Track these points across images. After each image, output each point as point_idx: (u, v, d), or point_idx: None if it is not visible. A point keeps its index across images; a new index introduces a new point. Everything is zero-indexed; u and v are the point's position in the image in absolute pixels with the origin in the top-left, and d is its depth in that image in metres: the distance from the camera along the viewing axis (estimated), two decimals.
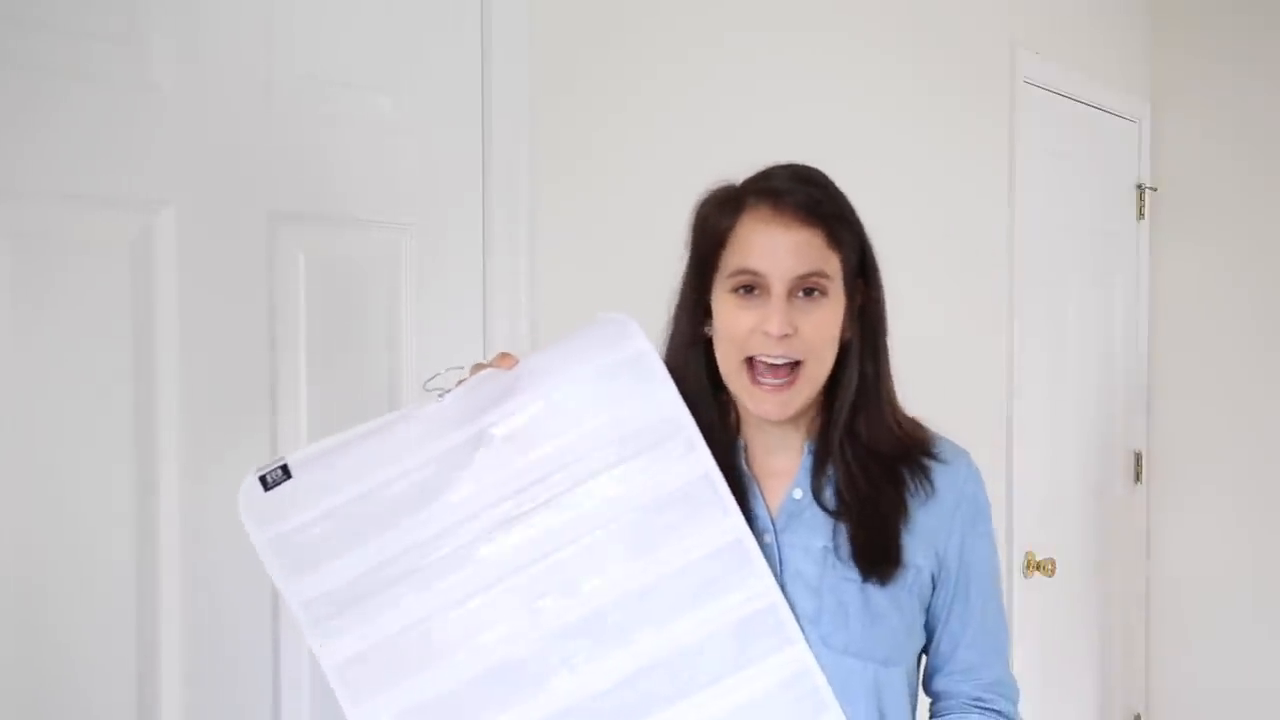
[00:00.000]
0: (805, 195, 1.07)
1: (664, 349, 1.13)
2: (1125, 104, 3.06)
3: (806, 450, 1.12)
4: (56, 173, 1.10)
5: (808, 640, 1.05)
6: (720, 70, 1.82)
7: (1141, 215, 3.18)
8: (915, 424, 1.15)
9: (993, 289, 2.55)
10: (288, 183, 1.30)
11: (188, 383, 1.20)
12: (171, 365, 1.19)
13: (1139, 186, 3.17)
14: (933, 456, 1.13)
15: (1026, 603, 2.65)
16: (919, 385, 2.28)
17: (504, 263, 1.50)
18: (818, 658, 1.05)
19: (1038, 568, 2.66)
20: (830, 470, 1.10)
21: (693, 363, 1.11)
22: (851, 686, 1.06)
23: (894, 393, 1.14)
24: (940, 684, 1.17)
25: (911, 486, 1.11)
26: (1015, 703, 1.18)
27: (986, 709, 1.15)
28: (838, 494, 1.09)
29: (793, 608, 1.06)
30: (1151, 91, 3.20)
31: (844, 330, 1.09)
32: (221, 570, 1.24)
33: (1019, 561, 2.63)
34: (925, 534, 1.11)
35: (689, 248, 1.13)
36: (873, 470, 1.10)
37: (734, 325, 1.06)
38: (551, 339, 1.53)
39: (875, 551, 1.07)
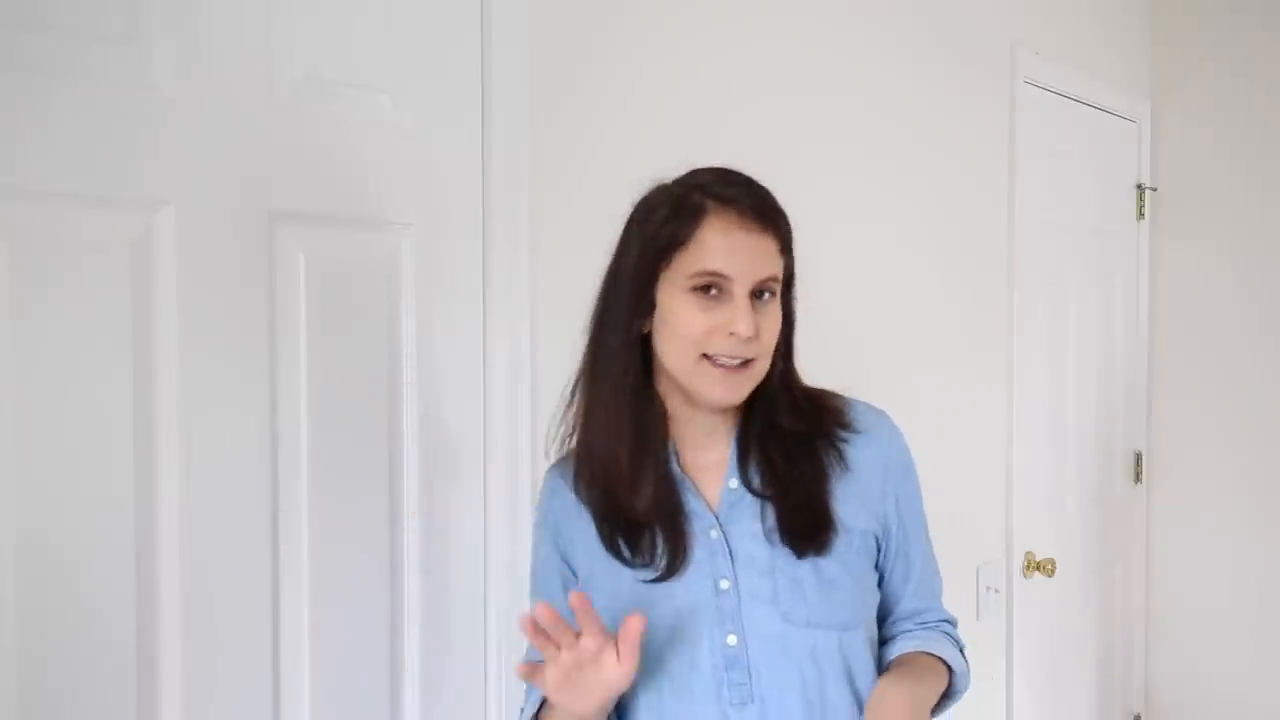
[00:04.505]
0: (760, 202, 1.11)
1: (590, 340, 1.16)
2: (1125, 104, 3.06)
3: (732, 442, 1.15)
4: (56, 173, 1.11)
5: (770, 619, 1.09)
6: (718, 71, 1.82)
7: (1141, 215, 3.18)
8: (826, 395, 1.20)
9: (992, 288, 2.55)
10: (288, 183, 1.30)
11: (187, 383, 1.20)
12: (171, 365, 1.19)
13: (1139, 186, 3.17)
14: (851, 423, 1.18)
15: (1026, 603, 2.65)
16: (921, 385, 2.29)
17: (504, 262, 1.50)
18: (783, 634, 1.09)
19: (1038, 568, 2.66)
20: (753, 456, 1.14)
21: (630, 359, 1.13)
22: (819, 655, 1.10)
23: (799, 378, 1.19)
24: (887, 630, 1.23)
25: (841, 452, 1.16)
26: (956, 626, 1.26)
27: (930, 625, 1.22)
28: (762, 477, 1.13)
29: (750, 593, 1.09)
30: (1151, 91, 3.20)
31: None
32: (221, 570, 1.24)
33: (1019, 561, 2.63)
34: (862, 499, 1.15)
35: (631, 245, 1.13)
36: (791, 449, 1.14)
37: (693, 325, 1.08)
38: (551, 338, 1.54)
39: (803, 526, 1.11)
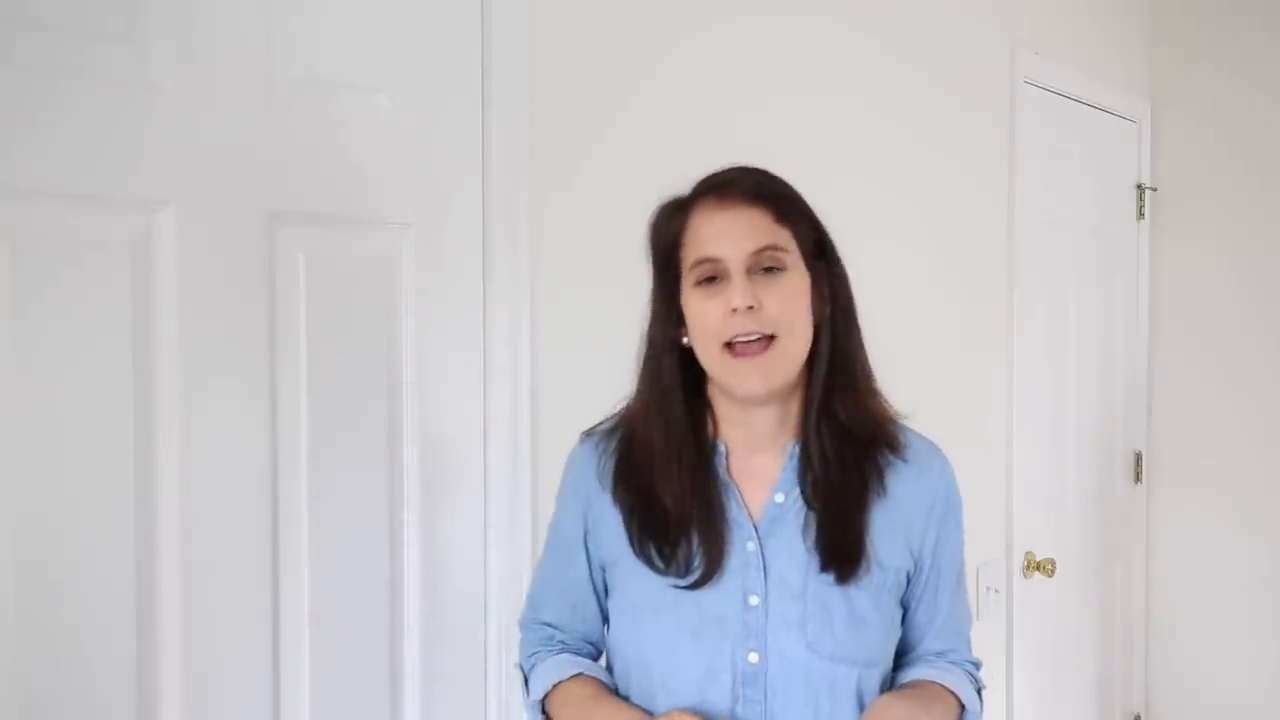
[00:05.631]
0: (748, 181, 1.10)
1: (638, 362, 1.14)
2: (1125, 104, 3.06)
3: (791, 452, 1.12)
4: (56, 173, 1.11)
5: (795, 645, 1.06)
6: (718, 72, 1.82)
7: (1141, 215, 3.18)
8: (884, 418, 1.16)
9: (993, 288, 2.55)
10: (288, 183, 1.30)
11: (187, 383, 1.20)
12: (171, 365, 1.19)
13: (1139, 186, 3.16)
14: (903, 454, 1.14)
15: (1026, 603, 2.65)
16: (920, 385, 2.29)
17: (504, 262, 1.50)
18: (805, 664, 1.06)
19: (1038, 568, 2.66)
20: (814, 460, 1.10)
21: (668, 370, 1.12)
22: (837, 689, 1.07)
23: (871, 372, 1.15)
24: (907, 663, 1.19)
25: (883, 475, 1.12)
26: (978, 669, 1.22)
27: (948, 661, 1.18)
28: (814, 482, 1.10)
29: (779, 614, 1.07)
30: (1151, 91, 3.19)
31: (815, 311, 1.11)
32: (221, 569, 1.24)
33: (1019, 562, 2.62)
34: (900, 533, 1.12)
35: (650, 261, 1.14)
36: (848, 456, 1.11)
37: (705, 316, 1.08)
38: (551, 338, 1.54)
39: (836, 545, 1.08)
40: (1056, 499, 2.83)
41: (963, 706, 1.15)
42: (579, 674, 1.16)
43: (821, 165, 2.02)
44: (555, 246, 1.56)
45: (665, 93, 1.72)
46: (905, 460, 1.13)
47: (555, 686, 1.16)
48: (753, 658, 1.07)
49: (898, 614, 1.14)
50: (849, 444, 1.11)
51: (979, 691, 1.20)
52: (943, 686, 1.14)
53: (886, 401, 1.16)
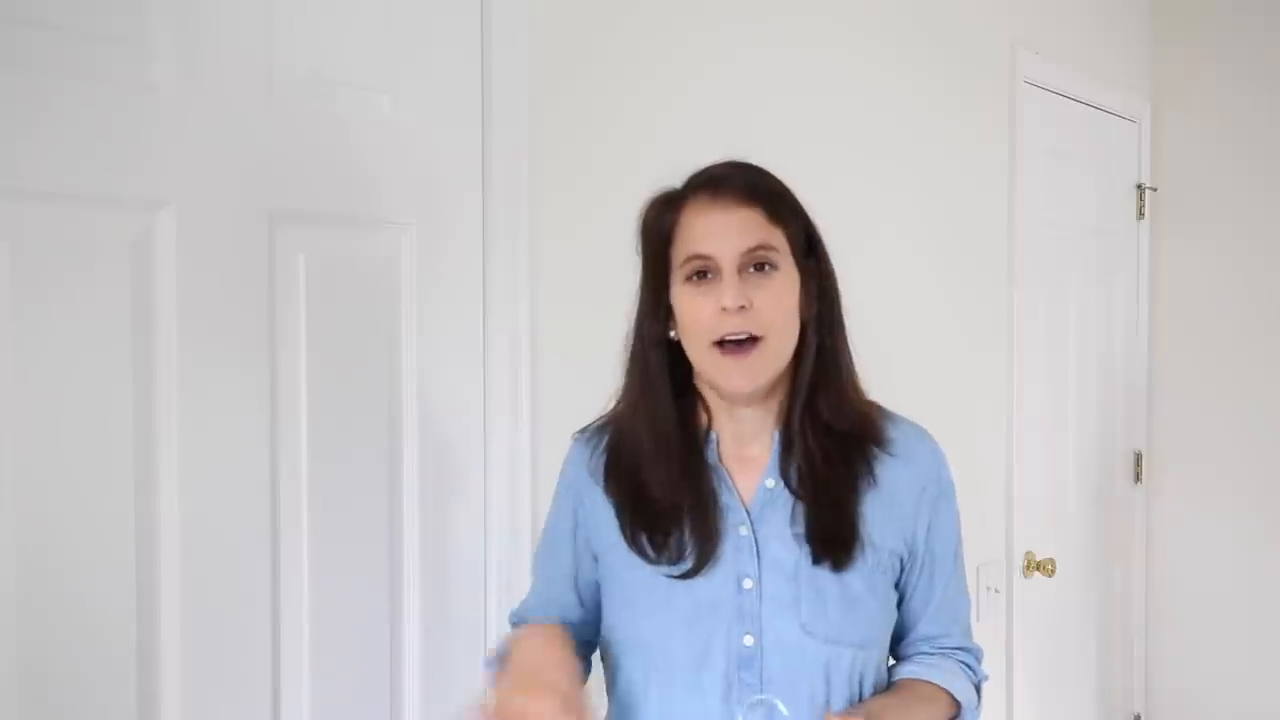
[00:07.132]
0: (741, 178, 1.10)
1: (625, 356, 1.15)
2: (1125, 104, 3.06)
3: (776, 438, 1.13)
4: (56, 173, 1.10)
5: (789, 627, 1.07)
6: (720, 72, 1.82)
7: (1141, 215, 3.18)
8: (875, 406, 1.17)
9: (993, 288, 2.55)
10: (288, 183, 1.30)
11: (187, 383, 1.20)
12: (171, 365, 1.19)
13: (1139, 186, 3.17)
14: (893, 439, 1.15)
15: (1026, 603, 2.65)
16: (920, 384, 2.29)
17: (504, 262, 1.50)
18: (799, 646, 1.07)
19: (1038, 568, 2.66)
20: (795, 453, 1.12)
21: (656, 364, 1.13)
22: (831, 671, 1.08)
23: (854, 369, 1.16)
24: (902, 650, 1.20)
25: (873, 469, 1.13)
26: (979, 660, 1.22)
27: (946, 652, 1.18)
28: (799, 474, 1.11)
29: (773, 597, 1.08)
30: (1151, 91, 3.20)
31: (803, 308, 1.11)
32: (221, 570, 1.24)
33: (1019, 561, 2.63)
34: (893, 518, 1.13)
35: (640, 254, 1.15)
36: (832, 450, 1.12)
37: (695, 313, 1.08)
38: (551, 338, 1.54)
39: (829, 533, 1.09)
40: (1056, 499, 2.83)
41: (957, 703, 1.15)
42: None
43: (821, 165, 2.03)
44: (556, 246, 1.56)
45: (666, 93, 1.72)
46: (892, 455, 1.14)
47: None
48: (747, 640, 1.08)
49: (892, 596, 1.15)
50: (833, 438, 1.12)
51: (977, 686, 1.20)
52: (932, 684, 1.15)
53: (868, 396, 1.17)
